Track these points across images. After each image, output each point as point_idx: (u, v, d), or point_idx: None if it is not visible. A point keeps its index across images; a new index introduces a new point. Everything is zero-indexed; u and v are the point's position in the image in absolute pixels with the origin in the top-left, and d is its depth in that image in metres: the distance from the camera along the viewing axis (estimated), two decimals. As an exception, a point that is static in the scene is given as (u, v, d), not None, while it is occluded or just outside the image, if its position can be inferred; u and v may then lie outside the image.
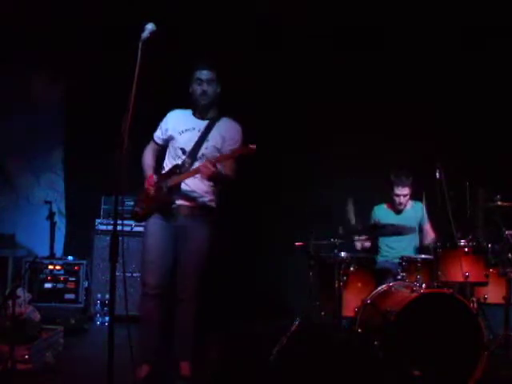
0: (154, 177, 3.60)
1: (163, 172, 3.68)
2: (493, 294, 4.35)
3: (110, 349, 2.17)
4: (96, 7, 5.55)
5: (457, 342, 3.57)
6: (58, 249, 6.08)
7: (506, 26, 5.52)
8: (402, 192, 4.98)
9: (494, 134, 5.66)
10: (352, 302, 4.25)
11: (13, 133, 6.23)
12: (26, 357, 3.76)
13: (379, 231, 4.78)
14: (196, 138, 3.56)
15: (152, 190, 3.54)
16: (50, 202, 6.08)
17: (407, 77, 5.87)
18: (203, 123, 3.61)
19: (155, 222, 3.57)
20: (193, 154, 3.54)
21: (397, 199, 5.02)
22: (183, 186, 3.52)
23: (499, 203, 4.31)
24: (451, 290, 3.80)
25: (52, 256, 5.73)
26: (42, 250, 5.89)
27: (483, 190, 5.21)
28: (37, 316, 4.23)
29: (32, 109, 6.37)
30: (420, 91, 5.84)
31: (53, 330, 4.28)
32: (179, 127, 3.62)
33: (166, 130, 3.68)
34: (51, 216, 5.95)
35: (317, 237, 4.77)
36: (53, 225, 5.92)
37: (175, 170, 3.56)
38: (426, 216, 5.04)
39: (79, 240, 6.18)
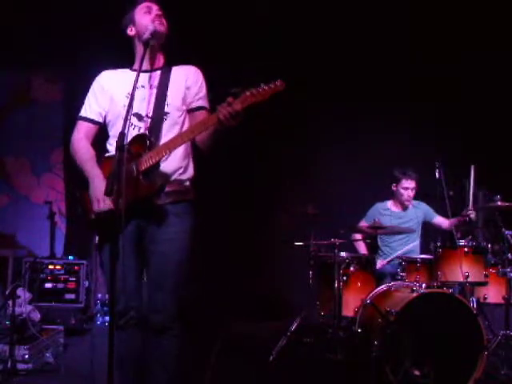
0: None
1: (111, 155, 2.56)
2: (493, 293, 4.35)
3: (110, 349, 2.16)
4: (96, 7, 5.54)
5: (457, 342, 3.57)
6: (59, 249, 6.08)
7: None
8: (411, 185, 4.94)
9: (494, 134, 5.66)
10: (352, 302, 4.25)
11: (13, 133, 6.24)
12: (26, 357, 3.77)
13: (378, 231, 4.78)
14: (152, 96, 2.65)
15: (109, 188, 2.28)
16: (50, 202, 6.08)
17: (407, 77, 5.87)
18: (153, 75, 2.70)
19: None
20: (155, 117, 2.62)
21: (405, 193, 4.96)
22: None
23: (499, 203, 4.30)
24: (451, 290, 3.80)
25: (52, 256, 5.73)
26: (42, 250, 5.90)
27: (483, 189, 5.22)
28: (37, 316, 4.24)
29: (32, 109, 6.38)
30: (420, 91, 5.83)
31: (53, 330, 4.28)
32: (122, 89, 2.64)
33: (105, 94, 2.70)
34: (51, 216, 5.95)
35: (317, 237, 4.78)
36: (53, 225, 5.93)
37: (141, 142, 2.53)
38: (431, 211, 5.04)
39: (79, 240, 6.17)
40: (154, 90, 2.66)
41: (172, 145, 2.51)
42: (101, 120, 2.75)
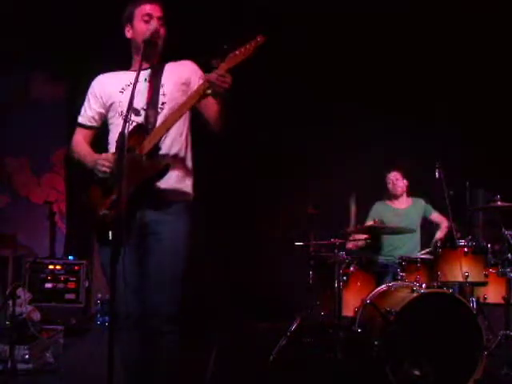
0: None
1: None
2: (493, 294, 4.35)
3: (110, 349, 2.16)
4: (96, 7, 5.54)
5: (457, 342, 3.57)
6: (59, 249, 6.08)
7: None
8: (396, 176, 5.09)
9: (494, 135, 5.66)
10: (352, 301, 4.25)
11: (13, 133, 6.24)
12: (26, 357, 3.77)
13: (379, 231, 4.79)
14: (147, 89, 2.64)
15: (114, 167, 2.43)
16: (50, 202, 6.08)
17: (407, 76, 5.87)
18: (148, 72, 2.68)
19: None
20: (150, 108, 2.62)
21: (390, 183, 5.11)
22: None
23: (499, 203, 4.30)
24: (451, 290, 3.80)
25: (52, 256, 5.73)
26: (42, 250, 5.89)
27: (483, 190, 5.22)
28: (37, 316, 4.24)
29: (32, 109, 6.38)
30: (420, 91, 5.84)
31: (53, 330, 4.28)
32: (117, 86, 2.67)
33: (101, 98, 2.75)
34: (51, 216, 5.95)
35: (317, 237, 4.78)
36: (53, 225, 5.92)
37: (140, 131, 2.56)
38: (429, 207, 5.05)
39: (79, 240, 6.17)
40: (147, 84, 2.66)
41: (170, 121, 2.53)
42: (94, 124, 2.82)
